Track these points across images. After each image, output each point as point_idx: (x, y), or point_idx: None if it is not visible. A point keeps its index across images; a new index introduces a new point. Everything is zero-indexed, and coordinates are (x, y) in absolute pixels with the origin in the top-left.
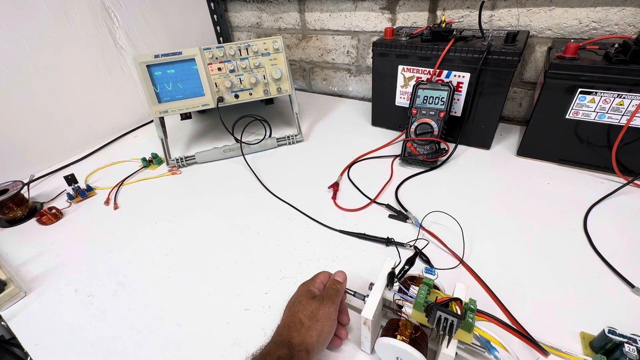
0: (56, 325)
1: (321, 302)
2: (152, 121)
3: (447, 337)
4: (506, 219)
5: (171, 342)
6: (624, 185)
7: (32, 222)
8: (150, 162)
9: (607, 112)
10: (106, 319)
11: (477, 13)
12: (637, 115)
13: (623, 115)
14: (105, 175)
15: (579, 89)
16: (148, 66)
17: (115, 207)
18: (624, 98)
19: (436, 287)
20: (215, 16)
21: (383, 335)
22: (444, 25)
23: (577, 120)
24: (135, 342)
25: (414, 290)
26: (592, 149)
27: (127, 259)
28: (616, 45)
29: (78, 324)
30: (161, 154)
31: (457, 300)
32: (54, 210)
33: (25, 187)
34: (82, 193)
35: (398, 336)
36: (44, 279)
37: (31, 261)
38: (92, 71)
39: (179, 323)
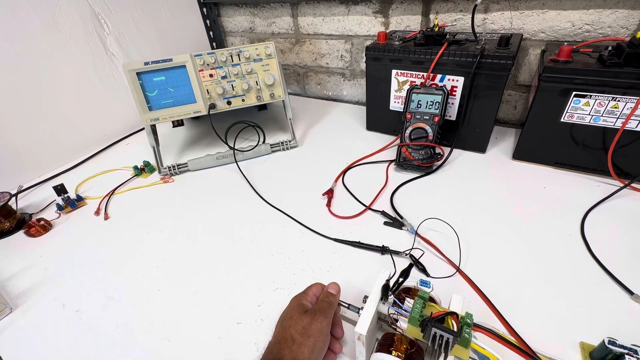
0: (42, 343)
1: (313, 317)
2: (144, 128)
3: (443, 354)
4: (503, 225)
5: (161, 358)
6: (621, 188)
7: (20, 234)
8: (142, 170)
9: (602, 115)
10: (94, 335)
11: (470, 16)
12: (632, 118)
13: (618, 118)
14: (96, 184)
15: (574, 92)
16: (138, 73)
17: (106, 218)
18: (618, 101)
19: (432, 299)
20: (208, 21)
21: (378, 350)
22: (437, 29)
23: (572, 123)
24: None
25: (409, 303)
26: (587, 152)
27: (117, 271)
28: (610, 48)
29: (65, 342)
30: (153, 162)
31: (453, 314)
32: (42, 222)
33: (13, 198)
34: (71, 203)
35: (393, 352)
36: (30, 294)
37: (18, 275)
38: (82, 78)
39: (170, 338)
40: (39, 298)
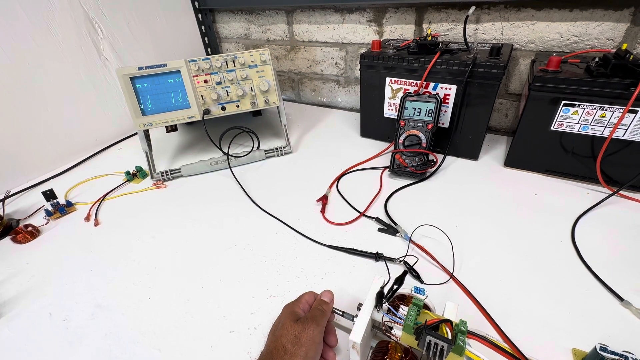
0: (28, 353)
1: (305, 325)
2: (137, 133)
3: None
4: (495, 231)
5: None
6: (609, 195)
7: (7, 240)
8: (134, 175)
9: (590, 124)
10: (81, 345)
11: (462, 26)
12: (619, 127)
13: (606, 127)
14: (86, 189)
15: (563, 101)
16: (132, 78)
17: (96, 224)
18: (606, 110)
19: (426, 307)
20: (203, 27)
21: (372, 358)
22: (430, 38)
23: (561, 131)
24: None
25: (403, 310)
26: (577, 159)
27: (107, 278)
28: (596, 59)
29: (52, 352)
30: (146, 167)
31: (448, 321)
32: (30, 228)
33: (0, 203)
34: (61, 209)
35: None
36: (16, 302)
37: (3, 283)
38: (74, 82)
39: (160, 348)
40: (25, 307)
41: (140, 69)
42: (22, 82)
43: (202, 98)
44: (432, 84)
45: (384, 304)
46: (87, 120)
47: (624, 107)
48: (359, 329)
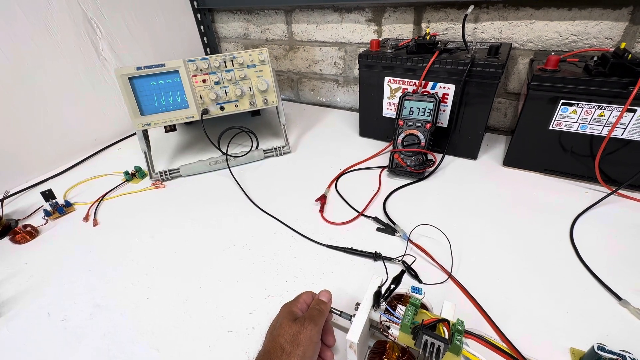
0: (27, 353)
1: (302, 325)
2: (136, 133)
3: None
4: (494, 231)
5: None
6: (608, 195)
7: (5, 240)
8: (133, 175)
9: (589, 123)
10: (80, 345)
11: (461, 26)
12: (617, 126)
13: (604, 126)
14: (85, 190)
15: (561, 101)
16: (130, 78)
17: (95, 224)
18: (604, 109)
19: (424, 306)
20: (202, 27)
21: (370, 358)
22: (428, 37)
23: (560, 130)
24: None
25: (400, 310)
26: (576, 159)
27: (106, 278)
28: (595, 58)
29: (50, 352)
30: (145, 167)
31: (445, 321)
32: (29, 228)
33: None
34: (59, 209)
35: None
36: (14, 302)
37: (2, 283)
38: (73, 83)
39: (158, 347)
40: (23, 307)
41: (138, 69)
42: (21, 83)
43: (201, 98)
44: (430, 84)
45: (381, 304)
46: (86, 120)
47: (623, 106)
48: (356, 329)
